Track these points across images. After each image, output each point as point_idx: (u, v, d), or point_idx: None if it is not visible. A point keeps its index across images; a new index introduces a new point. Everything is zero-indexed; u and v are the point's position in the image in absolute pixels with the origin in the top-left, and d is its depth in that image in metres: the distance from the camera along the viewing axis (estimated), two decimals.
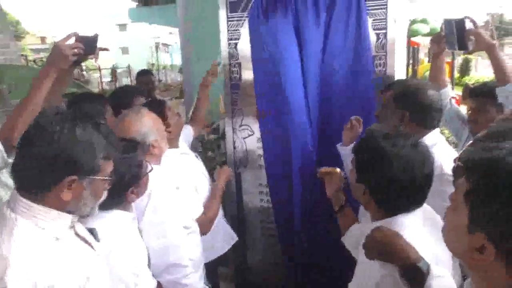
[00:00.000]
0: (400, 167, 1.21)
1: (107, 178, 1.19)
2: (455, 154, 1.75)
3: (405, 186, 1.22)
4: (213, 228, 2.29)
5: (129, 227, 1.53)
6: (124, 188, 1.48)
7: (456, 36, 2.00)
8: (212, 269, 2.39)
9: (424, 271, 1.11)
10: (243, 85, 2.48)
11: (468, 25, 1.99)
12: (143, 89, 3.49)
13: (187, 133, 2.55)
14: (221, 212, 2.42)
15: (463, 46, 2.01)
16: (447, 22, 2.06)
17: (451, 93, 2.46)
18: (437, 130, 1.82)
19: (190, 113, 2.91)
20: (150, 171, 1.59)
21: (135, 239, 1.53)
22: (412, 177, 1.21)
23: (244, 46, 2.43)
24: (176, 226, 1.78)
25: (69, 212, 1.14)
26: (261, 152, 2.53)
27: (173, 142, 2.19)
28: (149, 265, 1.63)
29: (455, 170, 1.35)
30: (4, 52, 3.92)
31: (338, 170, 1.85)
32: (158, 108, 2.12)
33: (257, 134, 2.52)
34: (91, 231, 1.29)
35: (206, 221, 2.11)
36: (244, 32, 2.42)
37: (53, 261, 1.05)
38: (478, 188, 0.78)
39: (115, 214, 1.49)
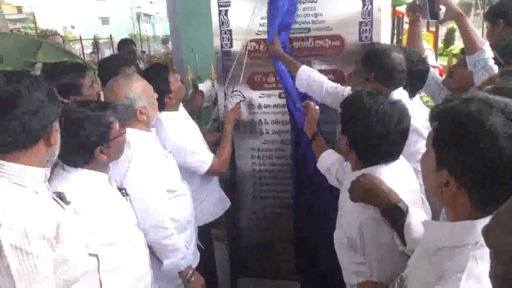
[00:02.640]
0: (379, 120, 1.35)
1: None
2: (415, 109, 1.88)
3: (382, 138, 1.36)
4: (207, 194, 2.41)
5: (100, 187, 1.59)
6: (91, 146, 1.53)
7: (428, 5, 2.09)
8: (206, 230, 2.52)
9: (404, 211, 1.26)
10: (234, 52, 2.53)
11: None
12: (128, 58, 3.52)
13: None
14: (216, 179, 2.53)
15: (434, 16, 2.11)
16: None
17: (432, 61, 2.57)
18: (401, 88, 1.95)
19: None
20: (123, 133, 1.64)
21: (108, 200, 1.59)
22: (388, 131, 1.36)
23: (235, 12, 2.47)
24: (156, 190, 1.86)
25: (43, 163, 1.22)
26: (252, 117, 2.62)
27: (175, 107, 2.30)
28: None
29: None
30: None
31: (313, 103, 2.20)
32: (161, 73, 2.17)
33: (248, 100, 2.60)
34: (59, 195, 1.34)
35: (220, 162, 2.33)
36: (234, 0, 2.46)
37: (37, 211, 1.13)
38: (440, 133, 0.95)
39: (84, 174, 1.55)
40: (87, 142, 1.51)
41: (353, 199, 1.38)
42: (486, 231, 0.65)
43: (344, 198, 1.51)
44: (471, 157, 0.87)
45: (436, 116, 0.97)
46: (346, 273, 1.53)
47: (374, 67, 1.87)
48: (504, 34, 2.42)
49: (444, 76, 2.65)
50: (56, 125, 1.24)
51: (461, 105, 0.91)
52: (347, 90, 2.16)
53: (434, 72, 2.56)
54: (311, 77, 2.28)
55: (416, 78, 2.08)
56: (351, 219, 1.41)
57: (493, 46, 2.18)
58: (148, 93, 1.95)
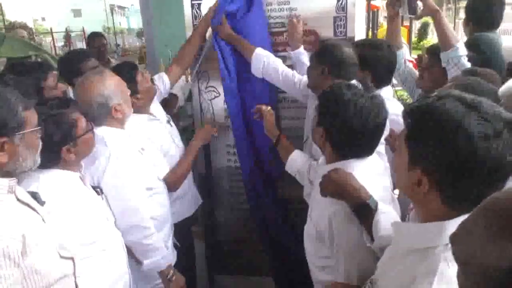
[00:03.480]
0: (357, 113, 1.34)
1: (35, 128, 1.19)
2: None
3: (358, 132, 1.36)
4: (182, 190, 2.36)
5: (71, 186, 1.54)
6: (56, 146, 1.47)
7: (406, 0, 2.10)
8: (185, 229, 2.48)
9: (373, 208, 1.26)
10: (208, 45, 2.48)
11: None
12: (92, 52, 3.42)
13: (164, 84, 2.45)
14: (190, 175, 2.47)
15: (412, 11, 2.13)
16: None
17: (407, 55, 2.60)
18: (389, 87, 2.00)
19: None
20: (90, 130, 1.59)
21: (81, 200, 1.54)
22: (364, 125, 1.35)
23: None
24: (136, 189, 1.82)
25: (8, 174, 1.14)
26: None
27: (143, 108, 2.19)
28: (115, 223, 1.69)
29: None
30: None
31: (265, 106, 2.11)
32: (129, 72, 2.09)
33: (223, 95, 2.56)
34: (34, 195, 1.30)
35: (174, 177, 2.16)
36: None
37: None
38: (413, 131, 0.93)
39: (53, 174, 1.50)
40: (51, 142, 1.44)
41: (323, 194, 1.38)
42: (453, 240, 0.63)
43: (315, 191, 1.50)
44: (445, 155, 0.86)
45: (409, 113, 0.95)
46: (312, 268, 1.52)
47: (326, 61, 1.90)
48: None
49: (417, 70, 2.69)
50: (15, 138, 1.13)
51: (436, 103, 0.89)
52: (303, 80, 2.15)
53: (410, 67, 2.58)
54: (266, 61, 2.23)
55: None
56: (321, 212, 1.40)
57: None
58: (122, 89, 1.89)
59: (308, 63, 2.15)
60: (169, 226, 2.12)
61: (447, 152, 0.86)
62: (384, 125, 1.40)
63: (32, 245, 1.12)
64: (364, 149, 1.41)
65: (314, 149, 1.91)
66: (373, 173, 1.41)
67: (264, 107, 2.12)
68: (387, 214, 1.25)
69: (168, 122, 2.41)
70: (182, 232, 2.35)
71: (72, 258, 1.33)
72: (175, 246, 2.18)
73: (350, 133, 1.36)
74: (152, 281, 1.95)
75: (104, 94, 1.80)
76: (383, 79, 2.13)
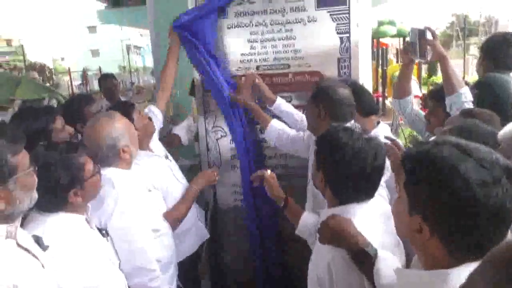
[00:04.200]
0: (354, 156, 1.33)
1: (28, 170, 1.19)
2: None
3: (357, 175, 1.34)
4: (185, 226, 2.32)
5: (77, 230, 1.52)
6: (64, 189, 1.47)
7: (418, 45, 2.16)
8: (191, 267, 2.43)
9: (372, 255, 1.23)
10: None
11: (428, 35, 2.14)
12: (103, 93, 3.51)
13: (156, 116, 2.48)
14: (194, 211, 2.44)
15: (422, 56, 2.17)
16: (412, 31, 2.22)
17: (416, 91, 2.63)
18: (382, 124, 2.00)
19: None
20: (97, 174, 1.60)
21: (87, 243, 1.53)
22: (363, 168, 1.33)
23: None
24: (143, 230, 1.80)
25: (7, 218, 1.14)
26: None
27: (141, 145, 2.17)
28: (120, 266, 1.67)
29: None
30: None
31: (266, 172, 1.98)
32: (125, 110, 2.13)
33: (230, 135, 2.58)
34: (37, 240, 1.29)
35: (170, 219, 2.11)
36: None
37: None
38: (413, 177, 0.91)
39: (60, 218, 1.49)
40: (59, 186, 1.45)
41: (321, 241, 1.35)
42: None
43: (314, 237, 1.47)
44: (444, 202, 0.84)
45: (407, 160, 0.94)
46: None
47: (321, 102, 1.91)
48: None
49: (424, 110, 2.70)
50: (9, 184, 1.14)
51: (434, 150, 0.89)
52: (307, 133, 2.17)
53: (417, 110, 2.58)
54: (280, 132, 2.28)
55: None
56: (320, 258, 1.37)
57: None
58: (130, 130, 1.92)
59: (288, 109, 2.26)
60: (174, 267, 2.09)
61: (445, 199, 0.84)
62: (383, 167, 1.38)
63: None
64: (364, 192, 1.39)
65: (316, 192, 1.89)
66: (374, 218, 1.37)
67: (265, 172, 1.98)
68: (388, 261, 1.22)
69: (167, 157, 2.41)
70: (187, 272, 2.30)
71: None
72: None
73: (349, 177, 1.35)
74: None
75: (113, 136, 1.83)
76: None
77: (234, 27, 2.48)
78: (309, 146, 2.16)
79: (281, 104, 2.34)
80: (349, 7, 2.26)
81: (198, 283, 2.63)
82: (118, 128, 1.86)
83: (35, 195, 1.24)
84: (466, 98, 2.07)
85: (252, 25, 2.44)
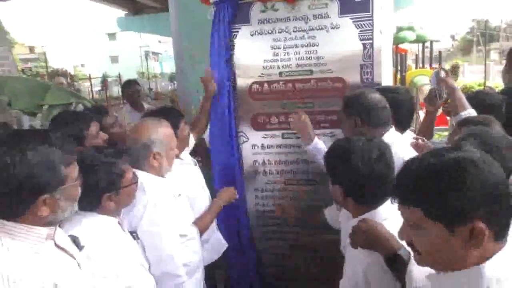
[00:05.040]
0: (359, 159, 1.37)
1: (75, 183, 1.23)
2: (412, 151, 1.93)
3: (368, 176, 1.36)
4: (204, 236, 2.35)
5: (111, 232, 1.56)
6: (99, 192, 1.52)
7: (436, 87, 2.40)
8: (208, 272, 2.46)
9: (405, 258, 1.23)
10: (238, 92, 2.58)
11: (442, 74, 2.39)
12: (130, 103, 3.54)
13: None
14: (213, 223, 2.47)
15: (441, 96, 2.40)
16: (432, 77, 2.45)
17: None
18: (392, 129, 1.97)
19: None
20: (134, 183, 1.64)
21: (120, 245, 1.57)
22: (371, 168, 1.36)
23: (239, 54, 2.54)
24: (170, 237, 1.83)
25: (49, 223, 1.19)
26: (256, 158, 2.63)
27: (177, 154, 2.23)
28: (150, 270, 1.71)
29: None
30: (4, 63, 3.99)
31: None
32: (175, 117, 2.19)
33: (252, 140, 2.62)
34: (74, 240, 1.32)
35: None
36: (238, 42, 2.53)
37: (32, 275, 1.09)
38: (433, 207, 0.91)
39: (94, 219, 1.53)
40: (96, 187, 1.50)
41: (354, 245, 1.36)
42: None
43: (347, 245, 1.48)
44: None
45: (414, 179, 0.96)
46: None
47: (355, 111, 1.91)
48: None
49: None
50: (56, 193, 1.17)
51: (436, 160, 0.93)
52: None
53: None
54: (321, 152, 2.25)
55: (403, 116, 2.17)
56: (354, 265, 1.38)
57: None
58: (169, 143, 1.95)
59: (325, 148, 2.20)
60: (201, 272, 2.12)
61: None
62: (392, 165, 1.41)
63: None
64: (382, 193, 1.40)
65: None
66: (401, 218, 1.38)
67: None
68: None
69: (195, 164, 2.47)
70: (207, 277, 2.32)
71: None
72: None
73: (362, 180, 1.37)
74: None
75: (151, 137, 1.87)
76: (404, 123, 2.17)
77: (258, 34, 2.51)
78: None
79: (318, 142, 2.33)
80: (372, 14, 2.28)
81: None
82: (159, 133, 1.90)
83: (76, 206, 1.29)
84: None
85: (275, 32, 2.48)
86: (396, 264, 1.25)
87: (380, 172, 1.37)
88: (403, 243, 1.25)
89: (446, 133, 5.36)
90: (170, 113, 2.23)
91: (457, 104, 2.34)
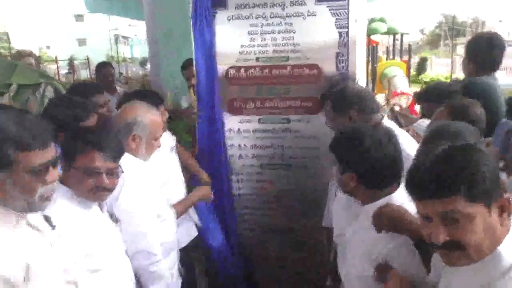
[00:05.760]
0: (369, 143, 1.38)
1: (28, 173, 1.12)
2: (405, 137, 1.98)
3: (380, 160, 1.38)
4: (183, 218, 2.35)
5: (83, 213, 1.54)
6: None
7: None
8: (186, 254, 2.47)
9: None
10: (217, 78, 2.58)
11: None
12: (103, 85, 3.48)
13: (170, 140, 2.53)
14: None
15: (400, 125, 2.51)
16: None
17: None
18: (388, 120, 2.04)
19: None
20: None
21: (94, 226, 1.55)
22: (382, 151, 1.38)
23: (218, 40, 2.53)
24: (146, 215, 1.84)
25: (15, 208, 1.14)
26: (231, 142, 2.66)
27: None
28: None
29: None
30: None
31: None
32: (154, 101, 2.16)
33: (228, 125, 2.64)
34: (46, 218, 1.30)
35: None
36: (215, 27, 2.52)
37: (4, 255, 1.08)
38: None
39: (68, 196, 1.52)
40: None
41: (378, 229, 1.35)
42: None
43: (355, 234, 1.51)
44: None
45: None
46: None
47: (347, 105, 1.95)
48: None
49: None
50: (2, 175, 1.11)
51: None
52: None
53: None
54: None
55: None
56: (372, 251, 1.38)
57: None
58: (153, 132, 1.94)
59: None
60: (175, 253, 2.13)
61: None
62: (399, 147, 1.44)
63: (36, 271, 1.14)
64: (393, 176, 1.43)
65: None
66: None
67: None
68: None
69: (172, 150, 2.45)
70: (183, 258, 2.34)
71: (75, 283, 1.33)
72: (180, 273, 2.18)
73: (377, 163, 1.38)
74: None
75: (136, 119, 1.87)
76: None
77: (234, 19, 2.51)
78: None
79: None
80: (348, 2, 2.32)
81: (193, 269, 2.67)
82: (145, 118, 1.89)
83: (35, 204, 1.21)
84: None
85: (253, 17, 2.49)
86: (425, 247, 1.24)
87: (391, 155, 1.39)
88: None
89: None
90: (149, 96, 2.21)
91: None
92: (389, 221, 1.33)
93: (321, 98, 2.36)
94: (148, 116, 1.90)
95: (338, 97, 2.02)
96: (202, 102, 2.62)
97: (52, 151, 1.18)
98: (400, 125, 2.48)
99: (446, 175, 0.94)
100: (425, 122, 2.31)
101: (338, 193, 1.98)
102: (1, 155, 1.08)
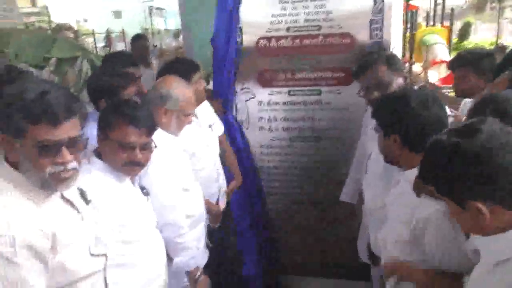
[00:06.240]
0: (416, 103, 1.38)
1: (35, 148, 1.10)
2: None
3: (427, 119, 1.38)
4: None
5: (120, 185, 1.59)
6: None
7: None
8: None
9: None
10: (244, 48, 2.55)
11: None
12: (137, 58, 3.50)
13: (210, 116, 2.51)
14: None
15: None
16: None
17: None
18: None
19: None
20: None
21: (127, 198, 1.60)
22: (429, 111, 1.38)
23: (245, 10, 2.49)
24: (173, 188, 1.87)
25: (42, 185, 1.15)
26: (261, 114, 2.64)
27: None
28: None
29: None
30: (8, 15, 3.93)
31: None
32: (187, 69, 2.16)
33: (258, 97, 2.62)
34: (82, 193, 1.33)
35: None
36: None
37: (30, 222, 1.10)
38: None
39: (104, 168, 1.56)
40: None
41: (418, 194, 1.36)
42: None
43: (395, 199, 1.51)
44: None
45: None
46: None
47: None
48: None
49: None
50: (16, 142, 1.10)
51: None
52: None
53: None
54: None
55: None
56: (412, 215, 1.38)
57: None
58: (184, 106, 1.94)
59: None
60: (203, 226, 2.17)
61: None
62: (444, 109, 1.44)
63: (63, 244, 1.17)
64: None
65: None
66: None
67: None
68: None
69: (210, 126, 2.43)
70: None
71: (105, 255, 1.35)
72: (207, 246, 2.23)
73: (425, 125, 1.38)
74: (181, 280, 1.98)
75: (169, 93, 1.89)
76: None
77: None
78: None
79: None
80: None
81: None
82: (178, 92, 1.90)
83: (44, 181, 1.19)
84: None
85: None
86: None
87: (437, 115, 1.39)
88: None
89: None
90: (184, 62, 2.22)
91: None
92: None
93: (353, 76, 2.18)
94: (181, 91, 1.91)
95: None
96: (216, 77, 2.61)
97: (68, 131, 1.14)
98: None
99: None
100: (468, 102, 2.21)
101: (368, 169, 1.95)
102: (16, 124, 1.08)
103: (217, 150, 2.44)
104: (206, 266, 2.09)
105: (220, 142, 2.51)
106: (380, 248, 1.62)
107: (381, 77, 1.92)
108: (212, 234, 2.31)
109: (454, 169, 0.94)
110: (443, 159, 0.96)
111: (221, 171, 2.45)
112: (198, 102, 2.26)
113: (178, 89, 1.92)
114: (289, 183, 2.73)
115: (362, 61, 2.05)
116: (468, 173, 0.92)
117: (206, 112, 2.43)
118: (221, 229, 2.47)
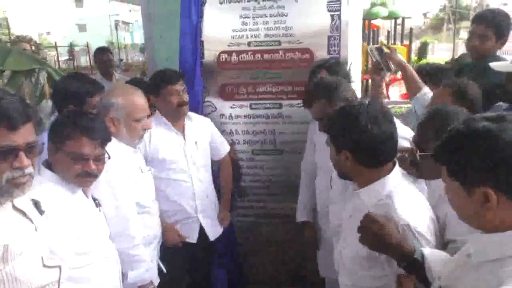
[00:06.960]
0: (366, 118, 1.36)
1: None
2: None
3: (377, 135, 1.35)
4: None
5: (73, 197, 1.55)
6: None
7: (381, 61, 2.34)
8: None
9: (420, 260, 1.21)
10: (205, 62, 2.56)
11: (386, 50, 2.34)
12: (101, 71, 3.42)
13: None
14: None
15: (388, 68, 2.34)
16: (370, 50, 2.42)
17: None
18: None
19: None
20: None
21: (80, 209, 1.56)
22: (379, 126, 1.36)
23: (207, 23, 2.51)
24: (125, 199, 1.84)
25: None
26: (223, 128, 2.63)
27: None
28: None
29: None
30: None
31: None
32: (153, 90, 2.23)
33: (220, 110, 2.63)
34: (36, 203, 1.30)
35: None
36: (206, 10, 2.49)
37: None
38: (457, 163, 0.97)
39: (55, 180, 1.52)
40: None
41: (362, 241, 1.32)
42: None
43: (350, 216, 1.51)
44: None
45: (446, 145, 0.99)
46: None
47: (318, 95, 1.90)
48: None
49: None
50: None
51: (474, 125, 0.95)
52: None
53: None
54: (427, 98, 2.19)
55: None
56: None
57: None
58: (129, 112, 1.90)
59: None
60: (155, 248, 2.12)
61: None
62: (394, 124, 1.43)
63: (16, 254, 1.14)
64: (388, 152, 1.41)
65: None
66: (417, 194, 1.42)
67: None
68: (433, 252, 1.23)
69: (196, 144, 2.37)
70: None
71: (59, 266, 1.32)
72: (161, 271, 2.13)
73: (369, 140, 1.36)
74: None
75: (111, 100, 1.87)
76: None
77: (227, 2, 2.49)
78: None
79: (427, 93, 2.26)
80: None
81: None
82: (123, 99, 1.88)
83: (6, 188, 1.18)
84: (429, 96, 2.14)
85: (245, 1, 2.46)
86: (415, 268, 1.21)
87: (388, 130, 1.38)
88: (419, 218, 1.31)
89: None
90: (167, 73, 2.24)
91: (410, 84, 2.27)
92: (373, 239, 1.28)
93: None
94: (124, 97, 1.88)
95: (305, 91, 2.00)
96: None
97: (26, 136, 1.14)
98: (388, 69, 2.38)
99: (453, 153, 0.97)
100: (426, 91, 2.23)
101: (332, 184, 1.96)
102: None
103: (200, 167, 2.37)
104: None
105: (222, 162, 2.54)
106: (338, 263, 1.63)
107: (324, 111, 1.89)
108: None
109: (476, 151, 0.92)
110: (465, 141, 0.94)
111: (202, 189, 2.38)
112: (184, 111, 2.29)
113: (121, 96, 1.89)
114: (252, 197, 2.73)
115: (305, 97, 2.03)
116: (488, 157, 0.90)
117: (197, 128, 2.39)
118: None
